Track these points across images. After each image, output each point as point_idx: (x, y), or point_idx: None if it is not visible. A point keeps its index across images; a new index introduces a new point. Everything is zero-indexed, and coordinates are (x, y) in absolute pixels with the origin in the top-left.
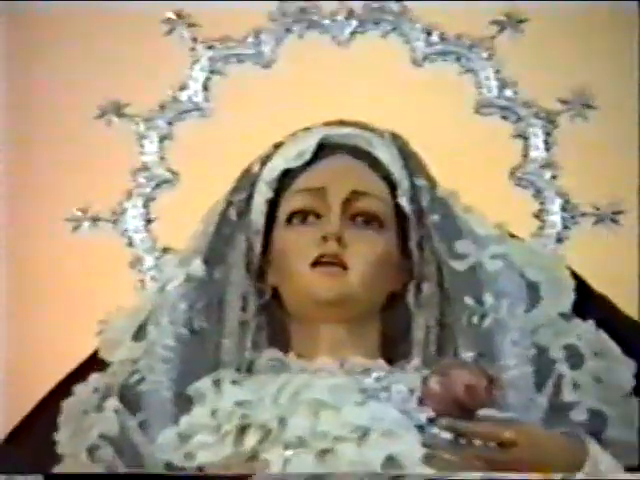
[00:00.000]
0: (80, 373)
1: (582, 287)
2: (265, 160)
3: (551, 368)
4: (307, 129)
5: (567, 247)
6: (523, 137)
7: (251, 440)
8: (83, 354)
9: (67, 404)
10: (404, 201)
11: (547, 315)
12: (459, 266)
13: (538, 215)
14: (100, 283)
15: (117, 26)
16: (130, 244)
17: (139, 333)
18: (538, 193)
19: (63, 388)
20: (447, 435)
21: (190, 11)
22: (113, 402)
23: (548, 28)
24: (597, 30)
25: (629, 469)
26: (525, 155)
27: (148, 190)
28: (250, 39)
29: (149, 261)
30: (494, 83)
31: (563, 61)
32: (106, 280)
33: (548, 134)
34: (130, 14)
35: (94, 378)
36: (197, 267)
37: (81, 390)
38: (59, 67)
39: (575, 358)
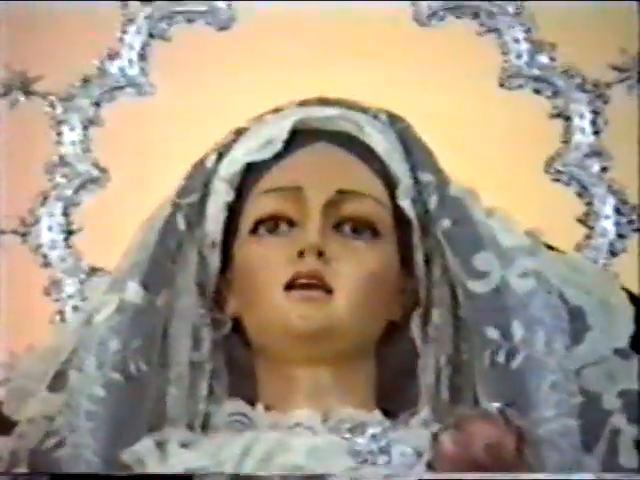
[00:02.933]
0: None
1: None
2: (223, 151)
3: (604, 421)
4: (277, 110)
5: (623, 262)
6: (563, 117)
7: None
8: None
9: None
10: (406, 203)
11: (597, 351)
12: (479, 287)
13: (584, 220)
14: (6, 316)
15: None
16: (45, 264)
17: (57, 381)
18: (584, 191)
19: None
20: None
21: None
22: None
23: None
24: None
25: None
26: (566, 141)
27: (69, 192)
28: None
29: (70, 285)
30: (524, 46)
31: (613, 16)
32: (13, 311)
33: (596, 112)
34: None
35: None
36: (133, 292)
37: None
38: None
39: (635, 408)
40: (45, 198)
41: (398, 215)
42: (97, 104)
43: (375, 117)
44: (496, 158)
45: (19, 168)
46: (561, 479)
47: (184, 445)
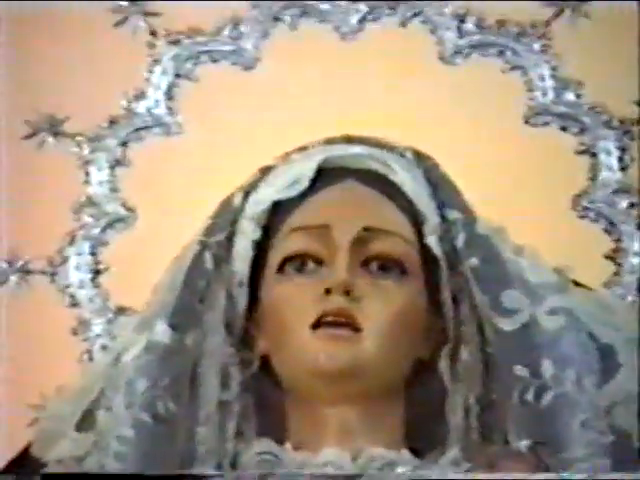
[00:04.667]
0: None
1: None
2: (249, 190)
3: (636, 460)
4: (303, 149)
5: None
6: (590, 153)
7: None
8: (13, 451)
9: None
10: (433, 240)
11: (627, 389)
12: (507, 325)
13: (612, 256)
14: (33, 356)
15: (51, 16)
16: (73, 304)
17: (85, 421)
18: (612, 227)
19: None
20: None
21: None
22: None
23: (619, 9)
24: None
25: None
26: (593, 177)
27: (96, 232)
28: (227, 32)
29: (98, 325)
30: (550, 83)
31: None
32: (41, 351)
33: (624, 149)
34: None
35: None
36: (161, 332)
37: None
38: None
39: None
40: (73, 238)
41: (425, 253)
42: (124, 144)
43: (402, 155)
44: (523, 195)
45: (47, 208)
46: (561, 479)
47: None
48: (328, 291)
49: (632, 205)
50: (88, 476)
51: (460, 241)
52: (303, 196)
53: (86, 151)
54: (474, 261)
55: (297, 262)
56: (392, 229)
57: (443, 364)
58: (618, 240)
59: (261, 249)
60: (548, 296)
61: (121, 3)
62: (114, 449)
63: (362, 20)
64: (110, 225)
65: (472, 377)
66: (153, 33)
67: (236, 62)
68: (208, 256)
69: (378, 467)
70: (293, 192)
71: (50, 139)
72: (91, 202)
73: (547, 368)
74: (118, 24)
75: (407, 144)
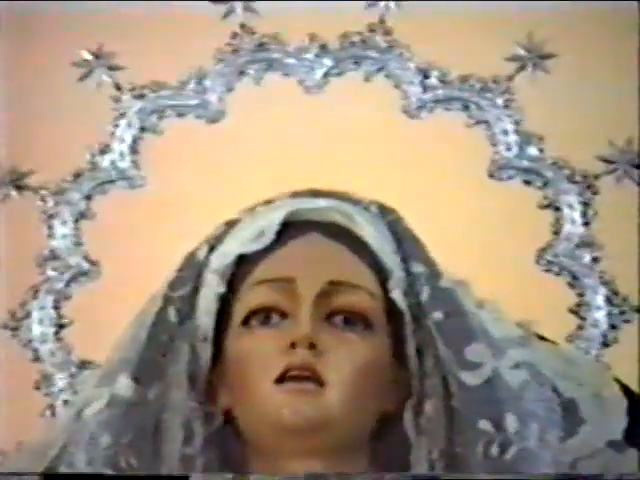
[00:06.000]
0: None
1: (637, 407)
2: (214, 243)
3: None
4: (268, 202)
5: (615, 353)
6: (554, 207)
7: None
8: None
9: None
10: (397, 294)
11: (591, 444)
12: (471, 379)
13: (576, 310)
14: None
15: (15, 66)
16: (36, 358)
17: (47, 479)
18: (575, 281)
19: None
20: None
21: (112, 49)
22: None
23: (581, 64)
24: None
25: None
26: (556, 232)
27: (60, 285)
28: (192, 85)
29: (61, 379)
30: (513, 138)
31: (602, 107)
32: (2, 406)
33: (586, 204)
34: (31, 53)
35: None
36: (124, 386)
37: None
38: None
39: None
40: (36, 292)
41: (390, 306)
42: (88, 197)
43: (366, 209)
44: (487, 249)
45: (10, 262)
46: (562, 479)
47: None
48: (293, 345)
49: (595, 259)
50: (89, 476)
51: (424, 295)
52: (268, 249)
53: (50, 204)
54: (438, 315)
55: (261, 315)
56: (357, 283)
57: (407, 418)
58: (581, 294)
59: (226, 302)
60: (511, 350)
61: (85, 57)
62: None
63: (326, 74)
64: (74, 279)
65: (436, 431)
66: (118, 87)
67: (201, 115)
68: (172, 310)
69: None
70: (258, 245)
71: (13, 192)
72: (54, 256)
73: (511, 423)
74: (82, 78)
75: (372, 198)
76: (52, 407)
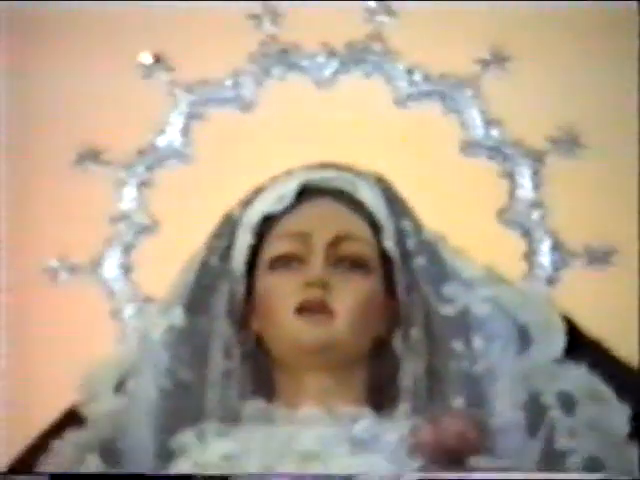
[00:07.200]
0: (57, 429)
1: (574, 331)
2: (245, 205)
3: (544, 414)
4: (288, 172)
5: (558, 289)
6: (510, 177)
7: None
8: (61, 408)
9: (45, 462)
10: (389, 244)
11: (538, 360)
12: (447, 310)
13: (527, 257)
14: (80, 334)
15: (92, 67)
16: (110, 294)
17: (120, 386)
18: (526, 234)
19: (40, 445)
20: None
21: (168, 54)
22: (93, 460)
23: (533, 65)
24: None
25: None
26: (512, 195)
27: (128, 238)
28: (229, 82)
29: (130, 311)
30: (479, 123)
31: (550, 98)
32: (86, 331)
33: (535, 173)
34: (105, 55)
35: (73, 434)
36: (178, 317)
37: (59, 447)
38: (37, 110)
39: (568, 404)
40: (109, 243)
41: (383, 254)
42: (149, 169)
43: (365, 178)
44: (459, 209)
45: (90, 220)
46: (563, 479)
47: (219, 435)
48: (308, 284)
49: (542, 217)
50: (90, 476)
51: (410, 245)
52: (288, 209)
53: (120, 175)
54: (421, 260)
55: (284, 261)
56: (358, 236)
57: (397, 341)
58: (531, 244)
59: (255, 251)
60: (479, 288)
61: (146, 61)
62: (142, 407)
63: (335, 73)
64: (138, 233)
65: (420, 351)
66: (172, 83)
67: (236, 106)
68: (214, 258)
69: (346, 420)
70: (280, 206)
71: (93, 166)
72: (123, 215)
73: (478, 343)
74: (145, 77)
75: (369, 169)
76: (123, 332)
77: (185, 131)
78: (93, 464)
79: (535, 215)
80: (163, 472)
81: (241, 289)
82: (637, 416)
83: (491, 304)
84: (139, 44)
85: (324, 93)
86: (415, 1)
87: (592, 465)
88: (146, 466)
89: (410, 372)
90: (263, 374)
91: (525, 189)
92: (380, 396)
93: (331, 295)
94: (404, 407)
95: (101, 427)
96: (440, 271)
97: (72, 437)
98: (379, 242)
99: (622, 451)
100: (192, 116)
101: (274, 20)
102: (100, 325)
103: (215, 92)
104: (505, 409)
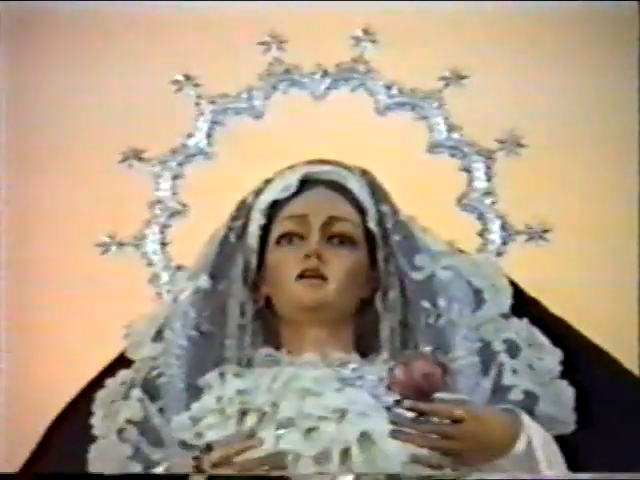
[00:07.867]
0: (111, 370)
1: (518, 292)
2: (258, 193)
3: (493, 358)
4: (292, 167)
5: (505, 260)
6: (468, 171)
7: (250, 421)
8: (112, 355)
9: (100, 395)
10: (372, 224)
11: (490, 315)
12: (417, 276)
13: (481, 234)
14: (126, 296)
15: (136, 85)
16: (149, 264)
17: (157, 336)
18: (481, 216)
19: (97, 382)
20: (410, 414)
21: (195, 73)
22: (137, 392)
23: (487, 82)
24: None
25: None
26: (469, 185)
27: (163, 220)
28: (244, 95)
29: (165, 277)
30: (443, 127)
31: (499, 109)
32: (130, 293)
33: (488, 168)
34: (147, 75)
35: (122, 374)
36: (204, 281)
37: (111, 383)
38: (89, 120)
39: (513, 349)
40: (149, 223)
41: (367, 232)
42: (180, 165)
43: (353, 172)
44: (426, 197)
45: (133, 205)
46: (563, 479)
47: (236, 375)
48: (307, 256)
49: (493, 203)
50: (90, 476)
51: (389, 225)
52: (291, 196)
53: (156, 169)
54: (397, 237)
55: (288, 238)
56: (347, 217)
57: (378, 301)
58: (484, 224)
59: (266, 230)
60: (442, 258)
61: (179, 78)
62: (175, 353)
63: (327, 88)
64: (172, 216)
65: (396, 309)
66: (199, 96)
67: (250, 114)
68: (232, 235)
69: (337, 364)
70: (285, 194)
71: (135, 162)
72: (159, 201)
73: (441, 303)
74: (176, 91)
75: (356, 165)
76: (160, 294)
77: (209, 134)
78: (136, 397)
79: (487, 201)
80: (163, 472)
81: (254, 260)
82: (567, 359)
83: (452, 271)
84: (173, 65)
85: (319, 104)
86: (392, 30)
87: (529, 398)
88: (178, 399)
89: (388, 326)
90: (271, 328)
91: (480, 180)
92: (364, 345)
93: (325, 265)
94: (383, 353)
95: (143, 368)
96: (412, 245)
97: (121, 376)
98: (364, 223)
99: (553, 387)
100: (214, 122)
101: (279, 46)
102: (141, 289)
103: (232, 103)
104: (463, 354)
